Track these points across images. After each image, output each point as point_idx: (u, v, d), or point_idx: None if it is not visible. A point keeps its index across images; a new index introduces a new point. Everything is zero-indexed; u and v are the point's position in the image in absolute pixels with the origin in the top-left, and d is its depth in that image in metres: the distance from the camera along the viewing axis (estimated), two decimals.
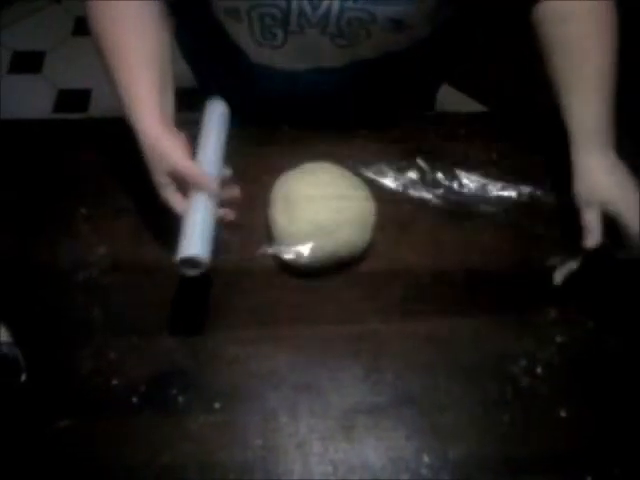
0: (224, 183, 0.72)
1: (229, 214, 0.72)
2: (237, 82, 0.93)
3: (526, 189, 0.86)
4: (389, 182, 0.86)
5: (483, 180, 0.87)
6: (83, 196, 0.84)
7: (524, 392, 0.71)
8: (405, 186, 0.86)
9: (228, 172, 0.74)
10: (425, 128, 0.92)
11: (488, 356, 0.73)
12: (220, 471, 0.66)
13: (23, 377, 0.70)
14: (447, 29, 0.90)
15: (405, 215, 0.84)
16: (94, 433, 0.68)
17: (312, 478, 0.66)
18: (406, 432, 0.68)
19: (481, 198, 0.85)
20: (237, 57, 0.88)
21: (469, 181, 0.87)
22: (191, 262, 0.65)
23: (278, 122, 0.91)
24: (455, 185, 0.86)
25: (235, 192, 0.73)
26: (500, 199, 0.85)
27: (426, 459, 0.67)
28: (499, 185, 0.86)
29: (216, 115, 0.78)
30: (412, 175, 0.87)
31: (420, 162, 0.88)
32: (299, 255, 0.76)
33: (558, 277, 0.78)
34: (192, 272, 0.66)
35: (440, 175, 0.87)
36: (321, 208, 0.76)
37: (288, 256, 0.76)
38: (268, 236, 0.80)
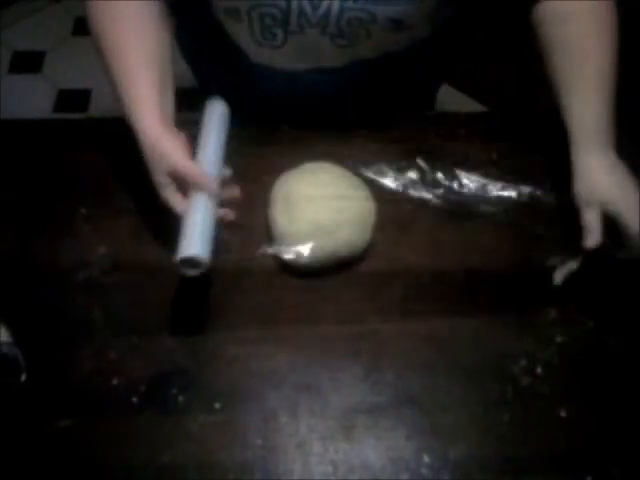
0: (224, 183, 0.72)
1: (229, 214, 0.72)
2: (237, 82, 0.93)
3: (526, 189, 0.86)
4: (389, 182, 0.86)
5: (483, 180, 0.87)
6: (83, 196, 0.84)
7: (524, 392, 0.71)
8: (405, 186, 0.86)
9: (228, 172, 0.74)
10: (425, 128, 0.92)
11: (488, 356, 0.73)
12: (220, 471, 0.66)
13: (23, 377, 0.70)
14: (447, 29, 0.90)
15: (405, 215, 0.84)
16: (94, 433, 0.68)
17: (312, 478, 0.66)
18: (406, 432, 0.68)
19: (481, 198, 0.85)
20: (237, 57, 0.88)
21: (469, 181, 0.87)
22: (191, 262, 0.65)
23: (278, 122, 0.90)
24: (455, 185, 0.86)
25: (235, 192, 0.73)
26: (500, 199, 0.85)
27: (426, 459, 0.67)
28: (499, 185, 0.86)
29: (216, 115, 0.78)
30: (412, 175, 0.87)
31: (420, 162, 0.88)
32: (299, 255, 0.76)
33: (558, 277, 0.78)
34: (192, 272, 0.66)
35: (440, 175, 0.87)
36: (321, 208, 0.76)
37: (288, 256, 0.76)
38: (268, 236, 0.80)
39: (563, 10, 0.76)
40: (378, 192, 0.83)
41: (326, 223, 0.76)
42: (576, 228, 0.76)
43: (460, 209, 0.84)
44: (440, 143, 0.90)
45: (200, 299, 0.77)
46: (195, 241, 0.65)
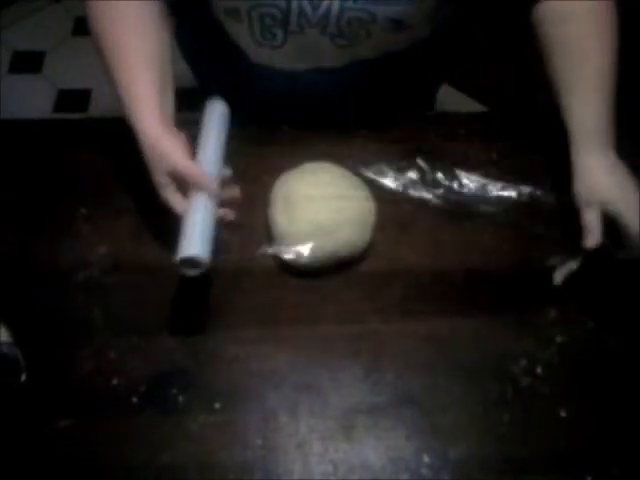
0: (224, 183, 0.72)
1: (229, 214, 0.72)
2: (237, 82, 0.93)
3: (526, 189, 0.86)
4: (389, 182, 0.86)
5: (483, 180, 0.87)
6: (83, 196, 0.84)
7: (524, 392, 0.71)
8: (405, 186, 0.86)
9: (228, 172, 0.74)
10: (425, 128, 0.92)
11: (488, 356, 0.73)
12: (220, 471, 0.66)
13: (23, 377, 0.70)
14: (447, 29, 0.90)
15: (405, 215, 0.84)
16: (94, 433, 0.68)
17: (312, 478, 0.66)
18: (406, 432, 0.68)
19: (481, 198, 0.85)
20: (237, 57, 0.88)
21: (469, 181, 0.87)
22: (191, 262, 0.65)
23: (278, 122, 0.90)
24: (455, 185, 0.86)
25: (235, 192, 0.73)
26: (500, 199, 0.85)
27: (426, 459, 0.67)
28: (499, 185, 0.86)
29: (216, 115, 0.78)
30: (412, 175, 0.87)
31: (420, 162, 0.88)
32: (299, 255, 0.76)
33: (558, 277, 0.78)
34: (192, 272, 0.66)
35: (440, 175, 0.87)
36: (321, 208, 0.76)
37: (288, 256, 0.76)
38: (268, 236, 0.80)
39: (563, 10, 0.76)
40: (378, 192, 0.83)
41: (326, 223, 0.76)
42: (576, 228, 0.76)
43: (460, 209, 0.84)
44: (440, 143, 0.90)
45: (200, 299, 0.77)
46: (195, 241, 0.65)
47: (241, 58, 0.88)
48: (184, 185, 0.69)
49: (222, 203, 0.71)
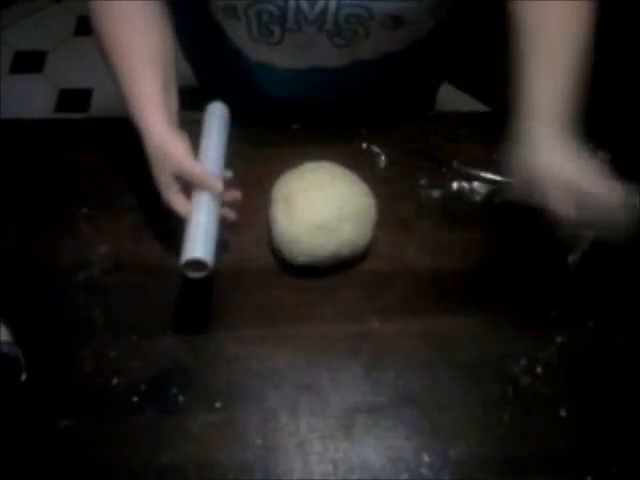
0: (225, 184, 0.72)
1: (230, 214, 0.72)
2: (237, 82, 0.93)
3: None
4: (390, 182, 0.86)
5: (483, 180, 0.87)
6: (84, 196, 0.84)
7: (524, 392, 0.71)
8: (405, 186, 0.86)
9: (229, 174, 0.74)
10: (425, 128, 0.92)
11: (488, 356, 0.73)
12: (220, 471, 0.66)
13: (23, 376, 0.70)
14: (446, 26, 0.90)
15: (405, 215, 0.84)
16: (94, 433, 0.68)
17: (312, 477, 0.66)
18: (406, 432, 0.68)
19: (481, 198, 0.85)
20: (237, 56, 0.88)
21: (470, 181, 0.87)
22: (195, 264, 0.65)
23: (278, 122, 0.91)
24: (455, 185, 0.86)
25: (236, 194, 0.73)
26: (501, 199, 0.85)
27: (426, 459, 0.67)
28: (500, 185, 0.86)
29: (217, 117, 0.78)
30: (412, 175, 0.87)
31: (420, 162, 0.88)
32: (299, 254, 0.76)
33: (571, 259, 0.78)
34: (196, 274, 0.66)
35: (440, 175, 0.87)
36: (322, 208, 0.76)
37: (288, 256, 0.76)
38: (268, 236, 0.80)
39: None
40: (378, 192, 0.83)
41: (327, 222, 0.76)
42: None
43: (460, 209, 0.84)
44: (440, 143, 0.90)
45: (201, 299, 0.77)
46: (200, 244, 0.65)
47: (241, 57, 0.88)
48: (187, 186, 0.69)
49: (223, 204, 0.71)
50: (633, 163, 0.79)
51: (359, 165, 0.84)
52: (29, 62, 2.20)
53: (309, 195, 0.77)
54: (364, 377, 0.72)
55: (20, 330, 0.72)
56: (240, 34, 0.84)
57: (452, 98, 1.86)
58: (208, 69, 1.03)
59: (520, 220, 0.80)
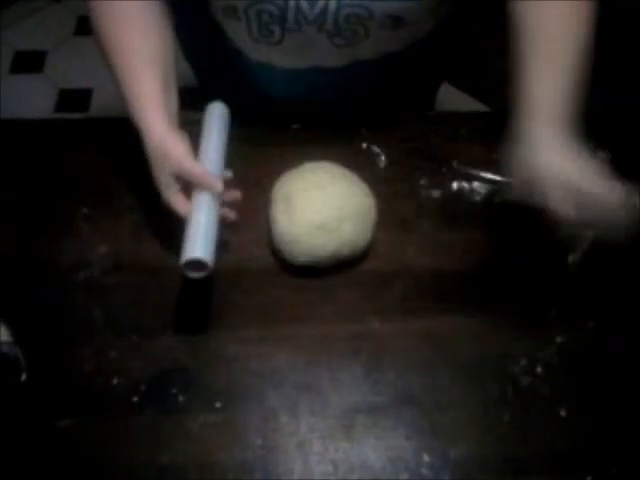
0: (225, 185, 0.72)
1: (229, 214, 0.72)
2: (238, 82, 0.93)
3: None
4: (390, 182, 0.86)
5: (483, 180, 0.87)
6: (84, 196, 0.84)
7: (524, 392, 0.71)
8: (406, 186, 0.86)
9: (229, 174, 0.74)
10: (425, 128, 0.92)
11: (488, 356, 0.73)
12: (220, 471, 0.66)
13: (23, 376, 0.70)
14: (446, 27, 0.90)
15: (405, 215, 0.84)
16: (94, 433, 0.68)
17: (312, 477, 0.66)
18: (406, 432, 0.68)
19: (481, 198, 0.85)
20: (237, 56, 0.88)
21: (470, 181, 0.87)
22: (196, 264, 0.65)
23: (278, 122, 0.91)
24: (455, 185, 0.86)
25: (236, 194, 0.73)
26: (501, 199, 0.85)
27: (426, 459, 0.67)
28: (500, 185, 0.86)
29: (217, 117, 0.78)
30: (412, 175, 0.87)
31: (420, 162, 0.88)
32: (299, 254, 0.76)
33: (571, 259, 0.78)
34: (196, 274, 0.66)
35: (441, 175, 0.87)
36: (322, 207, 0.76)
37: (288, 256, 0.76)
38: (268, 236, 0.80)
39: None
40: (378, 192, 0.83)
41: (327, 222, 0.76)
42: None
43: (460, 209, 0.84)
44: (440, 143, 0.90)
45: (201, 299, 0.77)
46: (200, 244, 0.65)
47: (241, 57, 0.88)
48: (187, 186, 0.69)
49: (223, 204, 0.71)
50: (633, 163, 0.79)
51: (359, 165, 0.84)
52: (29, 62, 2.20)
53: (309, 195, 0.77)
54: (364, 377, 0.72)
55: (20, 330, 0.72)
56: (240, 34, 0.84)
57: (452, 98, 1.86)
58: (208, 69, 1.03)
59: (520, 220, 0.80)
